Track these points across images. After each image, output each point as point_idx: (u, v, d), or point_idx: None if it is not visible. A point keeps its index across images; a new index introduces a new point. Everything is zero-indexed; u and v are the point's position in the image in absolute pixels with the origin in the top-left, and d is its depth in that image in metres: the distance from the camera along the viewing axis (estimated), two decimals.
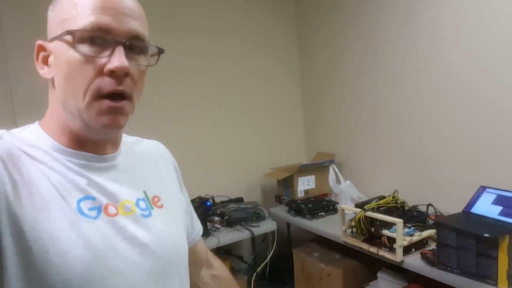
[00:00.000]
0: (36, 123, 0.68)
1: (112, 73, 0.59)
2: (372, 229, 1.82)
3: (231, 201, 2.72)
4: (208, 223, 2.33)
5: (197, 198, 2.36)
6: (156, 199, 0.74)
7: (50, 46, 0.63)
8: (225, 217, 2.40)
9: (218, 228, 2.33)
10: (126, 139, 0.80)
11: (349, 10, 2.63)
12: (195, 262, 0.89)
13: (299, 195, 2.62)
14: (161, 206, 0.74)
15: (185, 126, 2.70)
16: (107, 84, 0.60)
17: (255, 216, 2.43)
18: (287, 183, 2.68)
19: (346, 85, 2.74)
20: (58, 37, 0.61)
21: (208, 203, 2.40)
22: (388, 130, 2.45)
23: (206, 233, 2.21)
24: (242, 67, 2.93)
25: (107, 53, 0.60)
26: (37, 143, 0.63)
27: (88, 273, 0.57)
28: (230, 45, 2.86)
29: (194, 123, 2.73)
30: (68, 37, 0.59)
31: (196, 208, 2.21)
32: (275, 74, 3.10)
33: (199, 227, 0.95)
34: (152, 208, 0.71)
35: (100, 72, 0.60)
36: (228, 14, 2.84)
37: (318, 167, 2.69)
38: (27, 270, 0.54)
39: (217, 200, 2.64)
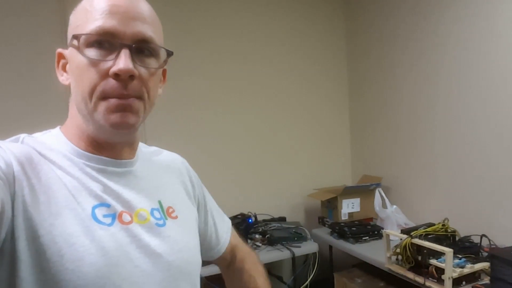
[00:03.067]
0: (57, 128, 0.70)
1: (116, 76, 0.60)
2: (419, 258, 1.74)
3: (273, 220, 2.70)
4: (249, 240, 2.33)
5: (239, 214, 2.38)
6: (170, 210, 0.73)
7: (67, 53, 0.66)
8: (267, 236, 2.39)
9: (258, 246, 2.32)
10: (146, 149, 0.81)
11: (403, 27, 2.57)
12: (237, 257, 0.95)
13: (342, 218, 2.56)
14: (176, 217, 0.73)
15: (233, 143, 2.75)
16: (113, 87, 0.60)
17: (297, 236, 2.40)
18: (331, 204, 2.63)
19: (396, 107, 2.68)
20: (70, 43, 0.63)
21: (250, 220, 2.41)
22: (440, 153, 2.34)
23: None
24: (289, 85, 2.95)
25: (112, 56, 0.60)
26: (57, 147, 0.65)
27: (100, 280, 0.57)
28: (280, 62, 2.90)
29: (241, 140, 2.78)
30: (76, 42, 0.61)
31: (237, 225, 2.24)
32: (323, 93, 3.09)
33: (227, 227, 0.96)
34: (167, 219, 0.71)
35: (105, 75, 0.60)
36: (276, 33, 2.90)
37: (363, 190, 2.62)
38: (41, 274, 0.55)
39: (259, 218, 2.64)
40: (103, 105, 0.61)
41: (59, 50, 0.68)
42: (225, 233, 0.92)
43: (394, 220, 2.30)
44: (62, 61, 0.68)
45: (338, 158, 3.17)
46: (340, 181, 3.02)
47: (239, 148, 2.78)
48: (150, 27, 0.64)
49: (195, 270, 0.75)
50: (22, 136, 0.65)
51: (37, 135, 0.68)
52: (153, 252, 0.65)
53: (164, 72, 0.75)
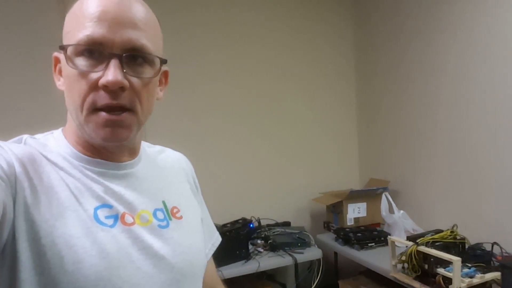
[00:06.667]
0: (60, 129, 0.69)
1: (106, 88, 0.58)
2: (426, 266, 1.65)
3: (277, 224, 2.63)
4: (250, 246, 2.27)
5: (240, 219, 2.31)
6: (175, 210, 0.72)
7: (62, 58, 0.64)
8: (269, 241, 2.32)
9: (260, 252, 2.25)
10: (150, 148, 0.80)
11: (410, 34, 2.49)
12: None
13: (348, 223, 2.47)
14: (180, 218, 0.72)
15: (238, 146, 2.70)
16: (101, 98, 0.58)
17: (300, 242, 2.32)
18: (336, 209, 2.55)
19: (405, 110, 2.58)
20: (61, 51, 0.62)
21: (251, 225, 2.34)
22: (450, 157, 2.24)
23: (247, 256, 2.15)
24: (297, 87, 2.89)
25: (102, 66, 0.58)
26: (58, 149, 0.64)
27: (100, 282, 0.56)
28: (286, 63, 2.85)
29: (244, 142, 2.72)
30: (64, 52, 0.60)
31: (238, 230, 2.18)
32: (330, 95, 3.02)
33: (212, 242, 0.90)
34: (170, 219, 0.70)
35: (94, 86, 0.58)
36: (283, 37, 2.84)
37: (370, 194, 2.53)
38: (41, 276, 0.54)
39: (263, 222, 2.58)
40: (93, 119, 0.59)
41: (55, 54, 0.66)
42: (207, 249, 0.86)
43: (401, 225, 2.20)
44: (58, 65, 0.66)
45: (345, 162, 3.08)
46: (347, 184, 2.93)
47: (244, 151, 2.73)
48: (142, 34, 0.60)
49: (199, 272, 0.73)
50: (25, 137, 0.65)
51: (39, 136, 0.67)
52: (156, 254, 0.64)
53: (165, 73, 0.73)
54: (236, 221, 2.28)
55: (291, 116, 2.87)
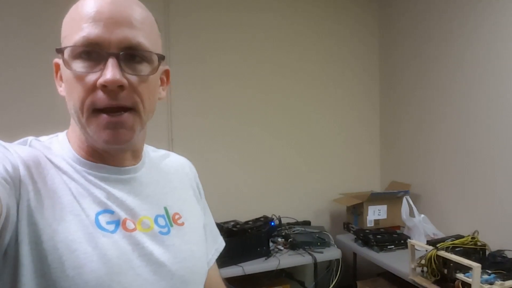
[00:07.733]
0: (64, 132, 0.69)
1: (104, 87, 0.57)
2: (445, 271, 1.66)
3: (297, 223, 2.68)
4: (271, 244, 2.32)
5: (262, 217, 2.36)
6: (177, 216, 0.71)
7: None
8: (289, 240, 2.37)
9: (280, 249, 2.30)
10: (154, 153, 0.80)
11: (435, 38, 2.48)
12: None
13: (368, 225, 2.49)
14: (182, 224, 0.71)
15: (260, 145, 2.75)
16: (101, 99, 0.58)
17: (320, 241, 2.36)
18: (357, 210, 2.57)
19: (428, 112, 2.57)
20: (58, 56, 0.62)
21: (273, 223, 2.39)
22: (472, 162, 2.23)
23: (267, 254, 2.20)
24: (320, 88, 2.91)
25: (99, 67, 0.58)
26: (61, 153, 0.64)
27: None
28: (309, 66, 2.87)
29: (267, 143, 2.77)
30: (61, 56, 0.60)
31: (260, 227, 2.23)
32: (353, 97, 3.03)
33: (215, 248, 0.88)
34: (172, 226, 0.69)
35: (93, 87, 0.58)
36: (306, 36, 2.87)
37: (391, 197, 2.54)
38: (42, 280, 0.54)
39: (284, 221, 2.62)
40: (94, 122, 0.59)
41: (56, 60, 0.65)
42: (210, 254, 0.85)
43: (422, 229, 2.21)
44: (59, 72, 0.66)
45: (367, 163, 3.09)
46: (368, 186, 2.94)
47: (267, 153, 2.77)
48: (139, 32, 0.60)
49: (200, 279, 0.73)
50: (30, 139, 0.65)
51: (44, 138, 0.67)
52: (156, 260, 0.64)
53: (167, 72, 0.73)
54: (258, 219, 2.33)
55: (315, 119, 2.90)
